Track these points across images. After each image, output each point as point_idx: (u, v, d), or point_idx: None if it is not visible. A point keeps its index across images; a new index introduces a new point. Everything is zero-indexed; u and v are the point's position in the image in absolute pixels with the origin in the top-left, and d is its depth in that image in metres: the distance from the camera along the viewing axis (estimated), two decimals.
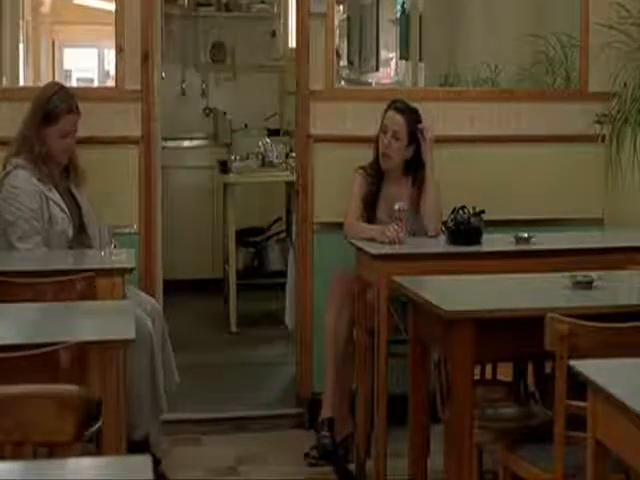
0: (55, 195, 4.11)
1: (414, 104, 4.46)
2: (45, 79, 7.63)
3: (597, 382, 2.22)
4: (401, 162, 4.41)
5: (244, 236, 7.13)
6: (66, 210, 4.09)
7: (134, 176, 4.68)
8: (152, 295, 4.69)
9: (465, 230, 4.08)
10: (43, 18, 8.10)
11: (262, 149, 6.91)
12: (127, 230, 4.62)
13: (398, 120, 4.38)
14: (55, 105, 4.12)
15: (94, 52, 8.63)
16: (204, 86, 8.11)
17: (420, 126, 4.37)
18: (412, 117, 4.39)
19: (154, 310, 4.16)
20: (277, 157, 6.93)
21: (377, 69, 7.32)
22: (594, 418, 2.29)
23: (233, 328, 6.35)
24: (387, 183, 4.45)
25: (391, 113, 4.40)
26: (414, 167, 4.41)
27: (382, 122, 4.41)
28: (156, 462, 4.27)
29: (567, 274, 3.36)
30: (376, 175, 4.44)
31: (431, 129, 4.38)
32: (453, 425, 3.16)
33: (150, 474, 1.64)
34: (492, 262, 4.00)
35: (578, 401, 2.61)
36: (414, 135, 4.37)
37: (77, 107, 4.17)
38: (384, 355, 3.96)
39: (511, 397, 3.60)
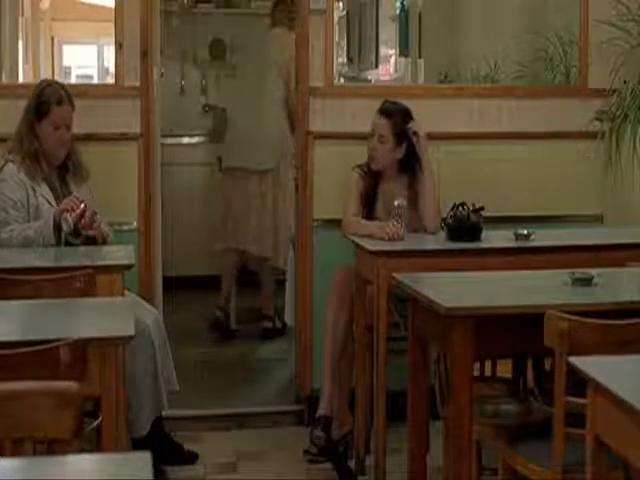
0: (44, 188, 4.12)
1: (413, 101, 4.46)
2: (44, 76, 7.62)
3: (597, 379, 2.22)
4: (392, 162, 4.40)
5: None
6: (54, 203, 4.09)
7: (133, 173, 4.68)
8: (151, 294, 4.69)
9: (465, 227, 4.08)
10: (42, 15, 8.10)
11: None
12: (126, 227, 4.62)
13: (383, 124, 4.36)
14: (45, 98, 4.15)
15: (93, 49, 8.63)
16: (203, 83, 8.11)
17: (409, 127, 4.35)
18: (399, 119, 4.36)
19: (154, 318, 4.15)
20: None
21: (376, 66, 7.32)
22: (593, 415, 2.29)
23: (233, 325, 6.35)
24: (384, 181, 4.45)
25: (377, 116, 4.39)
26: (410, 165, 4.40)
27: None
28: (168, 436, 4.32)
29: (567, 271, 3.36)
30: (373, 173, 4.44)
31: (422, 129, 4.36)
32: (452, 421, 3.16)
33: (150, 471, 1.64)
34: (492, 259, 4.00)
35: (577, 398, 2.62)
36: (403, 136, 4.36)
37: (70, 100, 4.18)
38: (383, 352, 3.96)
39: (510, 394, 3.60)
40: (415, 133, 4.34)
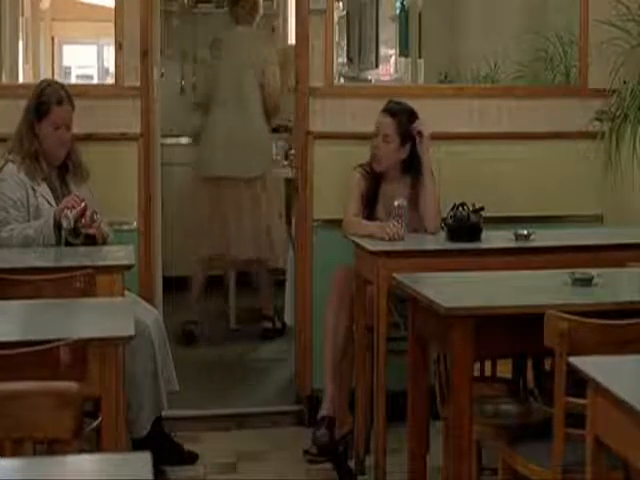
0: (44, 188, 4.13)
1: (413, 101, 4.46)
2: (44, 76, 7.63)
3: (597, 379, 2.22)
4: (396, 162, 4.40)
5: None
6: (54, 203, 4.09)
7: (133, 173, 4.68)
8: (151, 294, 4.69)
9: (465, 227, 4.08)
10: (42, 15, 8.10)
11: None
12: (126, 227, 4.62)
13: (388, 123, 4.36)
14: (45, 98, 4.16)
15: (93, 49, 8.64)
16: None
17: (414, 127, 4.35)
18: (404, 118, 4.36)
19: (154, 318, 4.15)
20: (277, 154, 6.92)
21: (376, 66, 7.31)
22: (593, 415, 2.29)
23: (233, 325, 6.35)
24: (385, 181, 4.45)
25: (382, 115, 4.39)
26: (413, 165, 4.40)
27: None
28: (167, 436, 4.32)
29: (566, 271, 3.36)
30: (374, 173, 4.43)
31: (427, 129, 4.36)
32: (452, 422, 3.16)
33: (150, 472, 1.64)
34: (491, 259, 4.00)
35: (577, 398, 2.62)
36: (408, 135, 4.36)
37: (70, 100, 4.19)
38: (383, 352, 3.96)
39: (510, 394, 3.60)
40: (419, 132, 4.34)
